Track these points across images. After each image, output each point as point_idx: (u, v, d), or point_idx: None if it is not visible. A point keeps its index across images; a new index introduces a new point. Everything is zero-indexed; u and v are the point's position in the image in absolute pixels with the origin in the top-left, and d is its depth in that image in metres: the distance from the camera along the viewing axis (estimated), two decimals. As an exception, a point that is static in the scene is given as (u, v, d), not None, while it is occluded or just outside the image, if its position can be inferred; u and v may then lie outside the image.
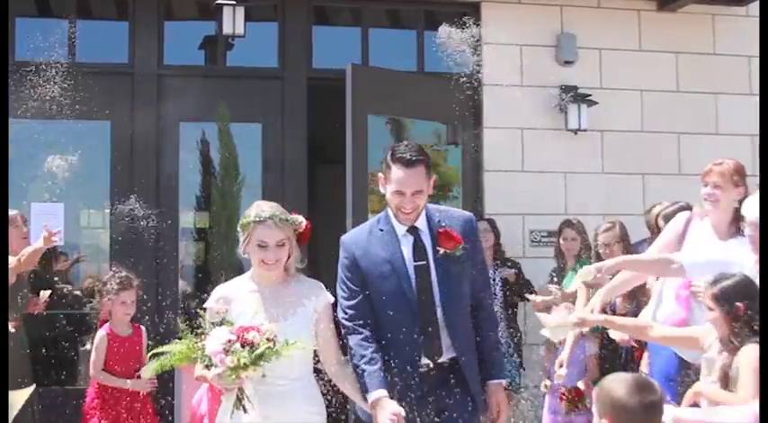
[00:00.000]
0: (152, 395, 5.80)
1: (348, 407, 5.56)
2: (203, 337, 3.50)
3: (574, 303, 5.80)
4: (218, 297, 3.73)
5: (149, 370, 3.68)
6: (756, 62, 8.06)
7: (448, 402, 3.75)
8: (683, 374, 4.49)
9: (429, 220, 3.86)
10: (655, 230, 5.58)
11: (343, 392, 3.82)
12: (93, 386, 5.72)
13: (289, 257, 3.72)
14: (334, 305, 3.80)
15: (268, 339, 3.42)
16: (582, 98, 7.87)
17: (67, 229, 6.54)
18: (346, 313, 3.77)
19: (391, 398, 3.60)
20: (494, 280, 6.74)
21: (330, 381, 3.82)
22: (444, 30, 7.06)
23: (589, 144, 8.00)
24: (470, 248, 3.84)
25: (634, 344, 5.52)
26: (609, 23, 8.17)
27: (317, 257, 6.66)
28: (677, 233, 4.73)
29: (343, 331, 3.78)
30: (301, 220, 3.77)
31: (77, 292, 7.56)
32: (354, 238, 3.92)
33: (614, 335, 5.20)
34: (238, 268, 6.13)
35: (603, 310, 5.01)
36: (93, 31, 7.65)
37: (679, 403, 3.93)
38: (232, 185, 7.56)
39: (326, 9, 8.21)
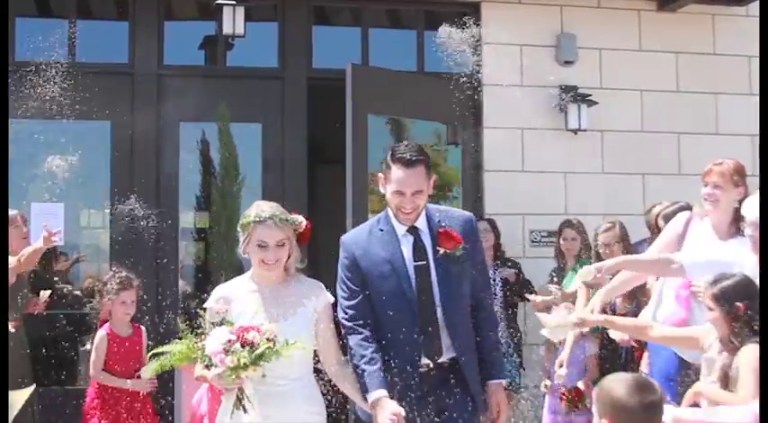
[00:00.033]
0: (152, 395, 5.80)
1: (348, 407, 5.55)
2: (203, 337, 3.50)
3: (574, 303, 5.80)
4: (218, 297, 3.73)
5: (149, 370, 3.68)
6: (756, 62, 8.05)
7: (448, 402, 3.75)
8: (683, 374, 4.49)
9: (429, 220, 3.85)
10: (655, 230, 5.57)
11: (344, 392, 3.82)
12: (93, 386, 5.73)
13: (289, 257, 3.72)
14: (335, 305, 3.80)
15: (268, 339, 3.42)
16: (582, 98, 7.86)
17: (67, 229, 6.52)
18: (346, 313, 3.77)
19: (391, 398, 3.60)
20: (494, 280, 6.73)
21: (330, 381, 3.82)
22: (444, 30, 7.04)
23: (589, 144, 8.00)
24: (470, 248, 3.84)
25: (634, 344, 5.52)
26: (609, 23, 8.16)
27: (317, 257, 6.66)
28: (677, 233, 4.72)
29: (343, 331, 3.78)
30: (301, 220, 3.77)
31: (77, 292, 7.56)
32: (354, 238, 3.92)
33: (614, 335, 5.20)
34: (238, 268, 6.13)
35: (603, 311, 5.00)
36: (93, 31, 7.64)
37: (679, 403, 3.92)
38: (232, 185, 7.56)
39: (326, 9, 8.20)
